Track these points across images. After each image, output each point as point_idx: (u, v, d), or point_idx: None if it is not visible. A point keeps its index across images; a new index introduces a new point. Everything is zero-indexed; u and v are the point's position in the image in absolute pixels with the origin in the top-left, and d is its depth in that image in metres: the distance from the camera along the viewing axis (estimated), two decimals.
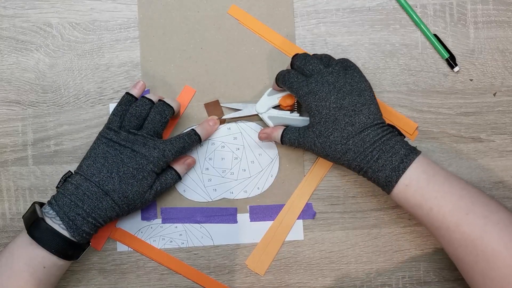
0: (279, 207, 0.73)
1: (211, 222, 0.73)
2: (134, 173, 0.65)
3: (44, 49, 0.73)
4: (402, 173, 0.60)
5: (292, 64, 0.67)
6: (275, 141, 0.70)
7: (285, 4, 0.74)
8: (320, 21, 0.74)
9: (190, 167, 0.72)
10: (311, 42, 0.74)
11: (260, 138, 0.70)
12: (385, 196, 0.73)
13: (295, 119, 0.69)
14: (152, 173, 0.66)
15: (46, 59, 0.73)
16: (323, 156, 0.64)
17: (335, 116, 0.62)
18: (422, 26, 0.73)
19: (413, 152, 0.61)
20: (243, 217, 0.73)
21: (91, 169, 0.65)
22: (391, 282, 0.73)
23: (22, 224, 0.72)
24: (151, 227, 0.73)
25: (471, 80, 0.74)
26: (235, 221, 0.73)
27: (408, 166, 0.60)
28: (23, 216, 0.65)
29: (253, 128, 0.73)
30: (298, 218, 0.73)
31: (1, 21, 0.74)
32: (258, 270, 0.73)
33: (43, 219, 0.62)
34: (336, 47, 0.74)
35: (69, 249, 0.63)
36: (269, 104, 0.70)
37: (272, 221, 0.73)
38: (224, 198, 0.73)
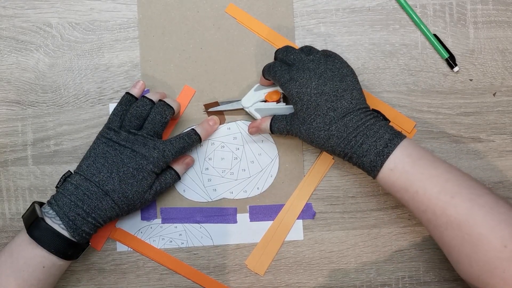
0: (279, 207, 0.73)
1: (211, 222, 0.73)
2: (134, 173, 0.65)
3: (43, 49, 0.73)
4: (387, 158, 0.59)
5: (275, 58, 0.68)
6: (266, 133, 0.70)
7: (285, 4, 0.74)
8: (320, 21, 0.74)
9: (189, 166, 0.72)
10: (311, 42, 0.74)
11: (250, 133, 0.70)
12: (385, 196, 0.73)
13: (282, 108, 0.69)
14: (152, 174, 0.66)
15: (46, 59, 0.73)
16: (309, 143, 0.64)
17: (317, 102, 0.62)
18: (421, 26, 0.73)
19: (398, 137, 0.61)
20: (242, 217, 0.73)
21: (91, 169, 0.65)
22: (391, 282, 0.73)
23: (21, 224, 0.72)
24: (151, 227, 0.73)
25: (471, 80, 0.74)
26: (235, 221, 0.73)
27: (392, 151, 0.60)
28: (22, 215, 0.65)
29: None
30: (298, 218, 0.73)
31: (1, 21, 0.74)
32: (257, 270, 0.73)
33: (42, 219, 0.62)
34: (336, 47, 0.74)
35: (69, 249, 0.63)
36: (255, 99, 0.70)
37: (272, 221, 0.73)
38: (223, 198, 0.73)
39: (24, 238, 0.62)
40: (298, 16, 0.74)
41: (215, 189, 0.73)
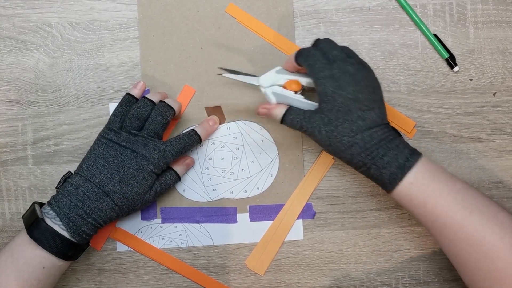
0: (279, 207, 0.73)
1: (210, 222, 0.73)
2: (134, 174, 0.65)
3: (44, 48, 0.73)
4: (408, 171, 0.60)
5: (314, 45, 0.65)
6: (274, 119, 0.66)
7: (285, 4, 0.74)
8: (320, 21, 0.74)
9: (189, 167, 0.72)
10: (311, 42, 0.74)
11: (259, 113, 0.67)
12: (385, 196, 0.73)
13: (300, 101, 0.65)
14: (152, 174, 0.66)
15: (46, 59, 0.73)
16: (325, 145, 0.63)
17: (349, 107, 0.61)
18: (422, 26, 0.73)
19: (417, 153, 0.61)
20: (242, 217, 0.73)
21: (91, 169, 0.65)
22: (391, 282, 0.73)
23: (21, 224, 0.72)
24: (151, 227, 0.73)
25: (471, 80, 0.74)
26: (235, 221, 0.73)
27: (413, 164, 0.60)
28: (22, 216, 0.65)
29: (253, 128, 0.73)
30: (297, 218, 0.73)
31: (1, 21, 0.74)
32: (257, 270, 0.73)
33: (43, 220, 0.62)
34: None
35: (69, 250, 0.63)
36: (273, 82, 0.67)
37: (272, 221, 0.73)
38: (223, 198, 0.73)
39: (24, 239, 0.62)
40: (298, 16, 0.74)
41: (215, 189, 0.73)
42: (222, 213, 0.73)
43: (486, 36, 0.74)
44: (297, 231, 0.73)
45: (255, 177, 0.73)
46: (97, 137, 0.68)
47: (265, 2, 0.74)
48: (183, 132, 0.70)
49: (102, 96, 0.73)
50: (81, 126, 0.73)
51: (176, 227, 0.73)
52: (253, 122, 0.73)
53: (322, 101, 0.62)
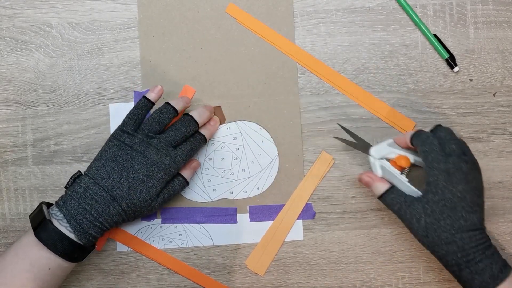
0: (279, 207, 0.73)
1: (211, 222, 0.73)
2: (143, 180, 0.64)
3: (44, 49, 0.73)
4: (500, 283, 0.60)
5: (433, 131, 0.65)
6: (373, 191, 0.67)
7: (285, 4, 0.74)
8: (320, 21, 0.74)
9: (196, 170, 0.72)
10: (311, 42, 0.74)
11: (361, 180, 0.68)
12: None
13: (404, 183, 0.66)
14: (162, 181, 0.65)
15: (46, 59, 0.73)
16: (420, 235, 0.63)
17: (455, 205, 0.61)
18: (422, 26, 0.73)
19: (509, 266, 0.62)
20: (243, 217, 0.73)
21: (101, 172, 0.64)
22: (391, 282, 0.73)
23: (22, 224, 0.73)
24: (151, 227, 0.73)
25: (471, 80, 0.74)
26: (235, 221, 0.73)
27: (505, 278, 0.60)
28: (29, 215, 0.64)
29: (253, 128, 0.73)
30: (297, 218, 0.73)
31: (1, 21, 0.74)
32: (258, 270, 0.73)
33: (50, 221, 0.62)
34: (336, 47, 0.74)
35: (75, 252, 0.63)
36: (384, 154, 0.68)
37: (272, 221, 0.73)
38: (224, 198, 0.73)
39: (30, 239, 0.62)
40: (298, 16, 0.74)
41: (215, 189, 0.73)
42: (222, 213, 0.73)
43: (486, 36, 0.74)
44: (297, 231, 0.73)
45: (255, 178, 0.73)
46: (109, 138, 0.67)
47: (265, 2, 0.74)
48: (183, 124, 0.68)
49: (102, 96, 0.73)
50: (81, 126, 0.73)
51: (176, 227, 0.73)
52: (253, 122, 0.73)
53: (430, 191, 0.62)
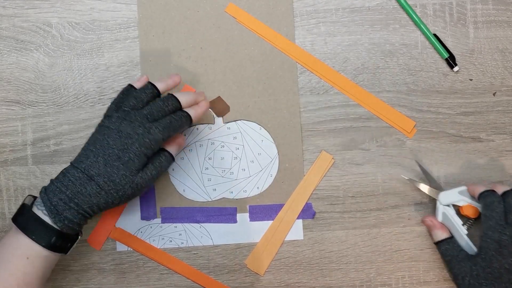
0: (279, 207, 0.73)
1: (210, 222, 0.73)
2: (119, 155, 0.61)
3: (43, 48, 0.73)
4: None
5: (505, 194, 0.66)
6: (432, 236, 0.70)
7: (285, 4, 0.74)
8: (320, 21, 0.74)
9: (182, 147, 0.69)
10: (311, 42, 0.74)
11: (423, 222, 0.71)
12: (385, 196, 0.73)
13: (462, 236, 0.68)
14: (140, 154, 0.62)
15: (46, 59, 0.73)
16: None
17: (501, 275, 0.62)
18: (421, 26, 0.73)
19: None
20: (242, 217, 0.73)
21: (81, 157, 0.63)
22: (391, 282, 0.73)
23: None
24: (151, 227, 0.73)
25: (471, 80, 0.74)
26: (235, 221, 0.73)
27: None
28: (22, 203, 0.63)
29: (253, 128, 0.73)
30: (297, 218, 0.73)
31: (1, 21, 0.74)
32: (257, 270, 0.73)
33: (27, 205, 0.61)
34: (336, 47, 0.74)
35: (54, 239, 0.60)
36: (453, 200, 0.69)
37: (272, 221, 0.73)
38: (223, 197, 0.73)
39: (12, 229, 0.61)
40: (298, 16, 0.74)
41: (215, 189, 0.73)
42: (222, 213, 0.73)
43: (486, 36, 0.74)
44: (297, 231, 0.73)
45: (255, 177, 0.73)
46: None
47: (265, 2, 0.74)
48: (167, 100, 0.66)
49: (102, 96, 0.73)
50: (81, 126, 0.73)
51: (176, 227, 0.73)
52: (253, 122, 0.73)
53: (479, 255, 0.64)
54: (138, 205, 0.73)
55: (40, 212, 0.60)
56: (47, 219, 0.60)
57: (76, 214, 0.60)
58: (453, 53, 0.73)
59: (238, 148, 0.73)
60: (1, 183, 0.73)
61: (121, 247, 0.73)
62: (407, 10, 0.73)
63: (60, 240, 0.61)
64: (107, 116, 0.65)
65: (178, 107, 0.65)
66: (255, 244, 0.73)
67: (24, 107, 0.73)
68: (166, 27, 0.74)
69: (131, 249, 0.73)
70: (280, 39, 0.73)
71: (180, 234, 0.73)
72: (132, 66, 0.74)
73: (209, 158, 0.73)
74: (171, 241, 0.73)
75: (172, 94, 0.65)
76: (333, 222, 0.73)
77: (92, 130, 0.72)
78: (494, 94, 0.73)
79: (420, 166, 0.72)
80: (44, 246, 0.60)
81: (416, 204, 0.73)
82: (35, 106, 0.73)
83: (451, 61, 0.73)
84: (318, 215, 0.73)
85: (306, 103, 0.73)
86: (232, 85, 0.73)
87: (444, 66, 0.74)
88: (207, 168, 0.73)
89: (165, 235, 0.73)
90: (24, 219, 0.60)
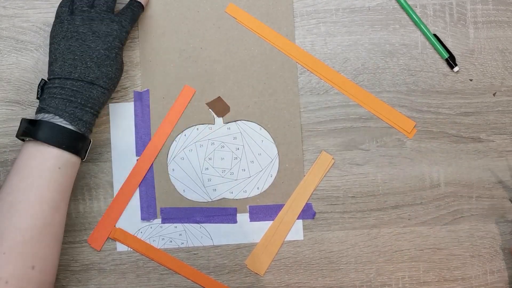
0: (279, 207, 0.73)
1: (210, 222, 0.73)
2: (106, 54, 0.65)
3: (43, 49, 0.73)
4: None
5: None
6: None
7: (285, 4, 0.74)
8: (320, 21, 0.74)
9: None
10: (311, 42, 0.74)
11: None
12: (385, 196, 0.73)
13: None
14: (120, 47, 0.66)
15: (46, 59, 0.73)
16: None
17: None
18: (421, 26, 0.73)
19: None
20: (242, 217, 0.73)
21: (65, 68, 0.64)
22: (391, 282, 0.73)
23: None
24: (151, 227, 0.73)
25: (471, 80, 0.74)
26: (235, 221, 0.73)
27: None
28: (17, 134, 0.64)
29: (253, 128, 0.73)
30: (298, 218, 0.73)
31: (1, 21, 0.74)
32: (257, 270, 0.73)
33: (45, 121, 0.62)
34: (336, 47, 0.74)
35: (78, 143, 0.63)
36: None
37: (272, 221, 0.73)
38: (223, 198, 0.73)
39: (30, 148, 0.62)
40: (298, 16, 0.74)
41: (215, 189, 0.73)
42: (222, 213, 0.73)
43: (486, 36, 0.74)
44: (297, 231, 0.73)
45: (255, 177, 0.73)
46: (51, 36, 0.66)
47: (265, 2, 0.74)
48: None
49: None
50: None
51: (176, 227, 0.73)
52: (253, 122, 0.73)
53: None
54: (138, 205, 0.73)
55: (59, 122, 0.62)
56: (70, 127, 0.62)
57: (92, 116, 0.64)
58: (453, 53, 0.73)
59: (238, 149, 0.73)
60: (1, 183, 0.73)
61: (121, 247, 0.73)
62: (407, 10, 0.73)
63: (83, 144, 0.64)
64: (65, 21, 0.65)
65: None
66: (255, 245, 0.73)
67: (24, 107, 0.73)
68: (166, 27, 0.74)
69: (131, 250, 0.73)
70: (280, 39, 0.73)
71: (180, 235, 0.73)
72: (132, 66, 0.74)
73: (209, 159, 0.73)
74: (171, 241, 0.73)
75: None
76: (333, 223, 0.73)
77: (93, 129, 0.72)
78: (494, 95, 0.73)
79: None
80: (73, 153, 0.62)
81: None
82: (35, 107, 0.73)
83: (451, 61, 0.73)
84: (318, 216, 0.73)
85: (306, 103, 0.73)
86: (232, 85, 0.73)
87: (444, 66, 0.74)
88: (207, 169, 0.73)
89: (165, 236, 0.73)
90: (48, 132, 0.61)
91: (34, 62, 0.73)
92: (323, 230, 0.73)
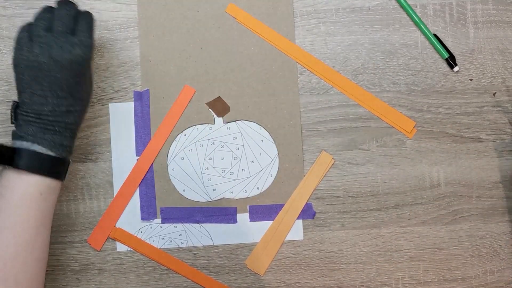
0: (279, 207, 0.73)
1: (210, 222, 0.73)
2: (76, 80, 0.62)
3: None
4: None
5: None
6: None
7: (285, 4, 0.74)
8: (320, 21, 0.74)
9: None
10: (311, 42, 0.74)
11: None
12: (385, 196, 0.73)
13: None
14: (88, 66, 0.63)
15: None
16: None
17: None
18: (421, 26, 0.73)
19: None
20: (242, 217, 0.73)
21: (36, 100, 0.61)
22: (391, 282, 0.73)
23: None
24: (151, 227, 0.73)
25: (471, 80, 0.74)
26: (235, 221, 0.73)
27: None
28: None
29: (253, 128, 0.73)
30: (297, 218, 0.73)
31: (1, 21, 0.74)
32: (257, 270, 0.73)
33: (24, 149, 0.60)
34: (336, 47, 0.74)
35: (59, 167, 0.62)
36: None
37: (272, 221, 0.73)
38: (223, 198, 0.73)
39: (10, 175, 0.60)
40: (298, 16, 0.74)
41: (215, 189, 0.73)
42: (222, 213, 0.73)
43: (486, 36, 0.74)
44: (297, 231, 0.73)
45: (255, 177, 0.73)
46: (14, 63, 0.63)
47: (265, 2, 0.74)
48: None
49: (102, 96, 0.73)
50: (81, 126, 0.73)
51: (176, 227, 0.73)
52: (253, 122, 0.73)
53: None
54: (138, 205, 0.73)
55: (39, 148, 0.60)
56: (51, 153, 0.61)
57: (71, 139, 0.63)
58: (453, 53, 0.73)
59: (238, 148, 0.73)
60: None
61: (121, 247, 0.73)
62: (407, 10, 0.73)
63: (64, 167, 0.63)
64: (24, 49, 0.61)
65: (75, 8, 0.64)
66: (255, 244, 0.73)
67: None
68: (166, 27, 0.74)
69: (131, 249, 0.73)
70: (280, 39, 0.73)
71: (180, 234, 0.73)
72: (132, 66, 0.74)
73: (209, 158, 0.73)
74: (171, 241, 0.73)
75: (64, 0, 0.64)
76: (333, 222, 0.73)
77: (92, 130, 0.73)
78: (494, 94, 0.73)
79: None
80: (54, 177, 0.61)
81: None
82: None
83: (451, 61, 0.73)
84: (318, 215, 0.73)
85: (306, 103, 0.73)
86: (232, 85, 0.73)
87: (444, 66, 0.74)
88: (207, 168, 0.73)
89: (165, 235, 0.73)
90: (29, 160, 0.60)
91: None
92: (323, 230, 0.73)
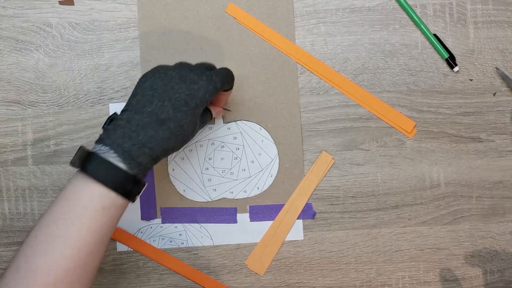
0: (279, 207, 0.73)
1: (211, 222, 0.73)
2: (187, 100, 0.59)
3: (43, 49, 0.73)
4: None
5: None
6: None
7: (285, 4, 0.74)
8: (320, 21, 0.74)
9: (220, 115, 0.70)
10: (311, 42, 0.74)
11: None
12: (385, 196, 0.73)
13: None
14: (203, 102, 0.60)
15: (46, 59, 0.73)
16: None
17: None
18: (422, 26, 0.73)
19: None
20: (243, 217, 0.73)
21: (142, 102, 0.59)
22: (391, 282, 0.73)
23: (22, 224, 0.73)
24: (151, 227, 0.73)
25: (471, 80, 0.74)
26: (235, 221, 0.73)
27: None
28: (71, 161, 0.58)
29: (253, 128, 0.73)
30: (298, 218, 0.73)
31: (1, 21, 0.74)
32: (258, 270, 0.73)
33: (96, 153, 0.56)
34: (336, 47, 0.74)
35: (127, 184, 0.56)
36: None
37: (272, 221, 0.73)
38: (224, 198, 0.73)
39: (78, 180, 0.56)
40: (298, 16, 0.74)
41: (215, 189, 0.73)
42: (222, 213, 0.73)
43: (486, 36, 0.74)
44: (297, 231, 0.73)
45: (255, 177, 0.73)
46: (142, 75, 0.62)
47: (265, 2, 0.74)
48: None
49: (102, 96, 0.73)
50: (81, 126, 0.73)
51: (176, 227, 0.73)
52: (253, 122, 0.73)
53: None
54: (138, 205, 0.73)
55: (112, 159, 0.56)
56: (121, 165, 0.56)
57: (149, 159, 0.58)
58: (453, 53, 0.73)
59: (238, 148, 0.73)
60: (1, 183, 0.73)
61: (121, 247, 0.73)
62: (407, 10, 0.73)
63: (134, 187, 0.57)
64: (161, 66, 0.62)
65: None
66: (255, 244, 0.73)
67: (24, 108, 0.73)
68: (166, 27, 0.74)
69: (131, 249, 0.73)
70: (280, 39, 0.73)
71: (180, 234, 0.73)
72: (132, 66, 0.74)
73: (209, 158, 0.73)
74: (171, 241, 0.73)
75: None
76: (333, 222, 0.73)
77: (92, 130, 0.73)
78: (494, 94, 0.73)
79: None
80: (120, 194, 0.56)
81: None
82: (35, 107, 0.73)
83: (451, 61, 0.73)
84: (318, 215, 0.73)
85: (306, 103, 0.73)
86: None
87: (444, 66, 0.74)
88: (207, 168, 0.73)
89: (165, 235, 0.73)
90: (96, 167, 0.56)
91: (34, 62, 0.73)
92: (323, 230, 0.73)
